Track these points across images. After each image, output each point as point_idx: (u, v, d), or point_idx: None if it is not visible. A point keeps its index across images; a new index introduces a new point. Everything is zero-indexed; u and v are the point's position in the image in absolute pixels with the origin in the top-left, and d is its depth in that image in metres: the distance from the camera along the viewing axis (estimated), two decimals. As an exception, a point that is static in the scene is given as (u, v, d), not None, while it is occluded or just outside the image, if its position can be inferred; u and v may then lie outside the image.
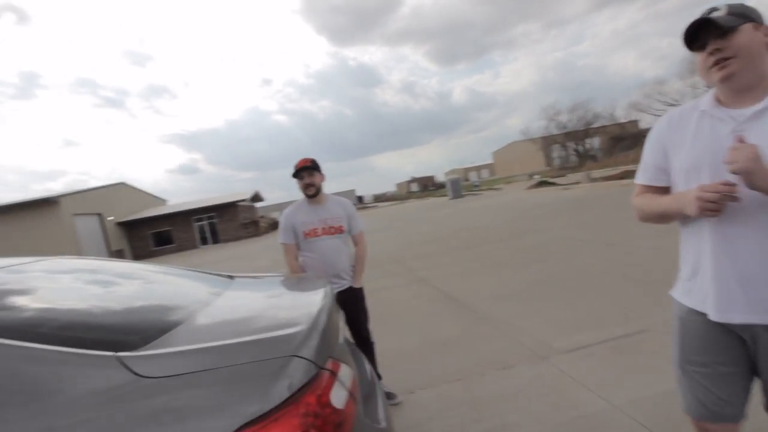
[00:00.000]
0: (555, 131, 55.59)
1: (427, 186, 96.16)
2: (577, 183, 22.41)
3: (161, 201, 41.38)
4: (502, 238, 9.08)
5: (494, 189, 40.08)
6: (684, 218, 1.27)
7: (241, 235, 32.42)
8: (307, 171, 2.65)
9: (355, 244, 2.90)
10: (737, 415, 1.29)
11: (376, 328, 2.96)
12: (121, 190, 34.11)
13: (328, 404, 0.99)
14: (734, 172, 1.06)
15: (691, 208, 1.12)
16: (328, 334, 1.22)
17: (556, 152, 60.08)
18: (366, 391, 1.53)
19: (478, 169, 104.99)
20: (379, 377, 2.73)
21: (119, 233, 31.13)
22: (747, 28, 1.11)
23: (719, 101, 1.20)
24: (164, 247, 32.15)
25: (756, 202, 1.09)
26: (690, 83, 38.36)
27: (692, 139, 1.22)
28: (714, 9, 1.17)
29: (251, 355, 1.01)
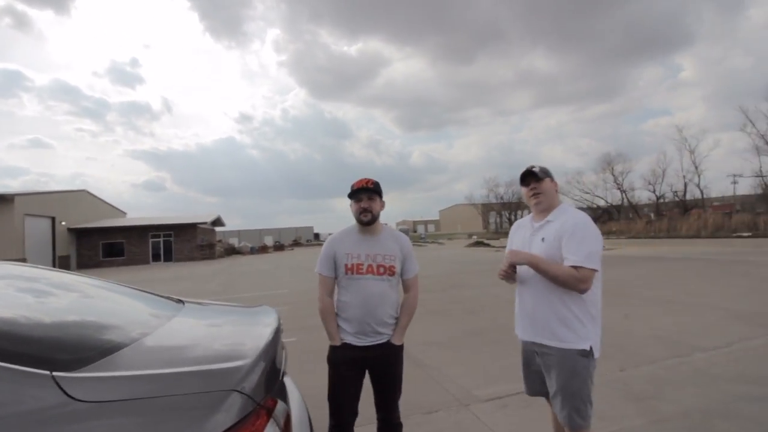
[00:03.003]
0: (493, 200, 58.89)
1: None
2: (508, 247, 23.39)
3: (121, 213, 38.54)
4: (439, 288, 9.20)
5: (438, 243, 41.05)
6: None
7: (196, 256, 30.59)
8: (367, 193, 2.03)
9: (406, 290, 2.16)
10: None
11: (304, 367, 2.62)
12: (80, 197, 31.49)
13: (261, 441, 0.94)
14: (511, 262, 1.88)
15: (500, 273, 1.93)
16: (270, 369, 1.18)
17: (493, 218, 63.18)
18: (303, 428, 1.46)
19: (425, 223, 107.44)
20: None
21: (69, 239, 28.37)
22: (548, 180, 1.92)
23: (533, 217, 1.99)
24: (114, 258, 29.58)
25: (528, 274, 1.87)
26: (602, 177, 42.52)
27: (519, 237, 2.02)
28: (534, 166, 1.94)
29: (191, 387, 0.95)
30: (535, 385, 1.99)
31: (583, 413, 1.76)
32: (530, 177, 1.92)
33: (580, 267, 1.70)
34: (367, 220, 2.02)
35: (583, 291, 1.73)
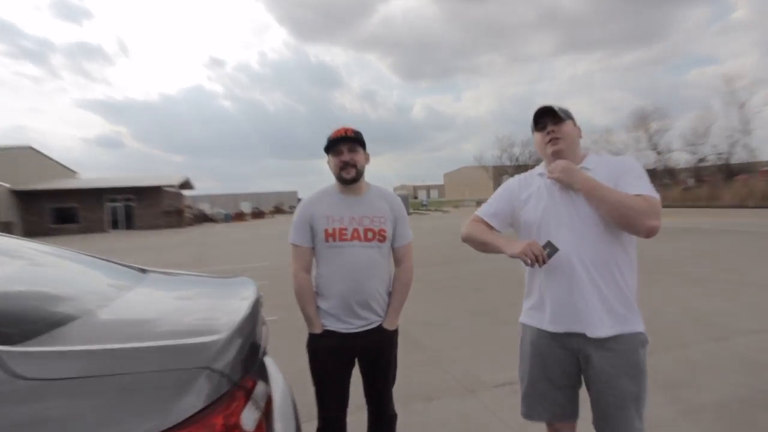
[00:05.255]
0: (507, 162, 58.51)
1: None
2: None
3: (71, 173, 38.18)
4: (442, 262, 9.32)
5: (442, 210, 41.20)
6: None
7: (161, 223, 30.64)
8: (347, 143, 1.92)
9: (397, 262, 2.07)
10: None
11: (287, 347, 2.63)
12: (24, 153, 31.13)
13: (237, 426, 0.95)
14: (554, 179, 1.63)
15: (515, 250, 1.56)
16: (249, 346, 1.17)
17: (507, 183, 63.03)
18: (284, 412, 1.49)
19: (428, 188, 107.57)
20: None
21: (12, 203, 28.22)
22: (570, 122, 1.70)
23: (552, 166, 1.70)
24: (66, 225, 29.60)
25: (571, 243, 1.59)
26: (634, 136, 42.18)
27: (535, 198, 1.73)
28: (550, 106, 1.69)
29: (156, 364, 0.94)
30: (553, 406, 1.69)
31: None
32: (547, 117, 1.69)
33: (649, 197, 1.50)
34: (350, 177, 1.92)
35: (652, 230, 1.49)
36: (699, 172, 39.08)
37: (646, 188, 1.54)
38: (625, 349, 1.56)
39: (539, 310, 1.71)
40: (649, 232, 1.50)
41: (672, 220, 18.87)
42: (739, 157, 36.51)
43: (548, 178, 1.67)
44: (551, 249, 1.54)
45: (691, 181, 37.68)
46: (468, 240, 1.80)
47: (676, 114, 76.87)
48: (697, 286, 6.21)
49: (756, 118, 35.01)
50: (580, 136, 1.76)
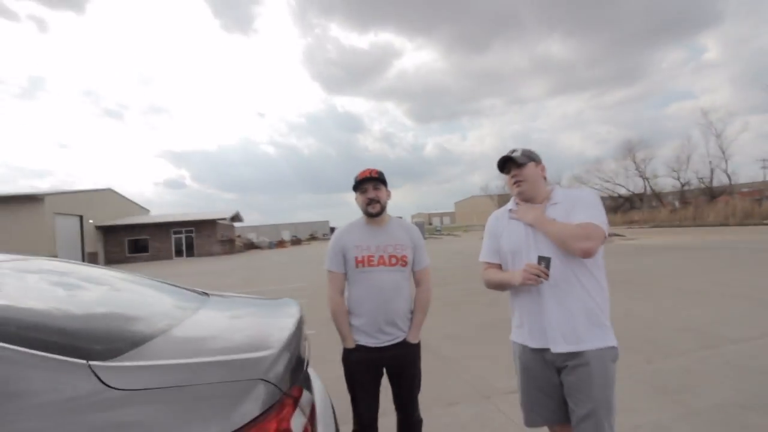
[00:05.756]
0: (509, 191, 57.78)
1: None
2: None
3: (144, 210, 39.65)
4: (457, 281, 9.16)
5: (453, 235, 40.80)
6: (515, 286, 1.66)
7: (216, 251, 31.28)
8: (372, 183, 1.96)
9: (417, 283, 2.08)
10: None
11: (325, 357, 2.58)
12: (106, 195, 32.55)
13: (288, 430, 0.96)
14: (516, 218, 1.69)
15: (518, 279, 1.57)
16: (295, 359, 1.19)
17: (510, 209, 62.17)
18: (326, 421, 1.48)
19: (440, 215, 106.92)
20: None
21: (96, 236, 29.41)
22: (531, 165, 1.70)
23: (517, 205, 1.76)
24: (139, 254, 30.53)
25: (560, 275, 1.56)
26: (623, 165, 41.30)
27: (507, 231, 1.73)
28: (514, 150, 1.73)
29: (219, 376, 0.96)
30: (546, 411, 1.65)
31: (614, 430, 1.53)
32: (511, 162, 1.71)
33: (586, 223, 1.51)
34: (375, 212, 1.96)
35: (586, 252, 1.49)
36: (684, 195, 37.78)
37: (588, 216, 1.53)
38: (595, 363, 1.51)
39: (521, 327, 1.70)
40: (583, 254, 1.50)
41: (662, 238, 18.19)
42: (719, 180, 35.30)
43: (510, 218, 1.73)
44: (545, 261, 1.52)
45: (677, 203, 36.42)
46: (489, 287, 1.80)
47: (660, 144, 75.12)
48: (688, 299, 5.92)
49: (732, 146, 33.98)
50: (544, 176, 1.75)
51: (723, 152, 33.95)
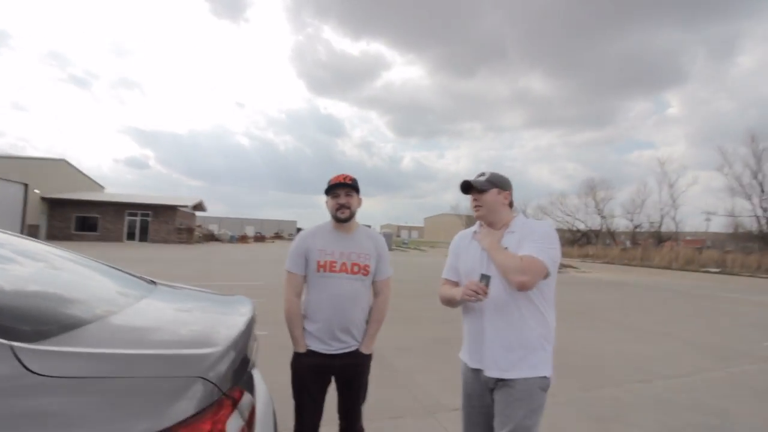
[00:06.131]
0: (477, 212, 59.28)
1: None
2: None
3: (99, 187, 37.39)
4: (417, 295, 9.23)
5: (419, 249, 41.17)
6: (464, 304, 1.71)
7: (172, 239, 29.88)
8: (344, 189, 1.94)
9: (376, 294, 2.04)
10: None
11: (273, 361, 2.54)
12: (58, 165, 30.47)
13: (223, 432, 0.92)
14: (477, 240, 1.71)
15: (459, 297, 1.61)
16: (240, 359, 1.15)
17: (476, 230, 63.77)
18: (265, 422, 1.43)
19: (409, 229, 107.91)
20: None
21: (41, 208, 27.37)
22: (494, 191, 1.70)
23: (480, 227, 1.78)
24: (86, 233, 28.64)
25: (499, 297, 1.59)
26: (584, 201, 43.49)
27: (465, 252, 1.77)
28: (483, 174, 1.75)
29: (156, 370, 0.91)
30: (478, 428, 1.69)
31: None
32: (471, 188, 1.73)
33: (527, 257, 1.52)
34: (344, 217, 1.93)
35: (521, 285, 1.50)
36: (635, 236, 40.15)
37: (534, 249, 1.54)
38: (520, 387, 1.54)
39: (464, 346, 1.76)
40: (519, 287, 1.52)
41: (611, 274, 19.19)
42: (667, 226, 37.81)
43: (472, 239, 1.77)
44: (485, 279, 1.55)
45: (628, 243, 38.64)
46: (441, 302, 1.83)
47: (619, 186, 79.95)
48: (629, 333, 6.26)
49: (682, 196, 36.57)
50: (509, 203, 1.75)
51: (673, 201, 36.54)
